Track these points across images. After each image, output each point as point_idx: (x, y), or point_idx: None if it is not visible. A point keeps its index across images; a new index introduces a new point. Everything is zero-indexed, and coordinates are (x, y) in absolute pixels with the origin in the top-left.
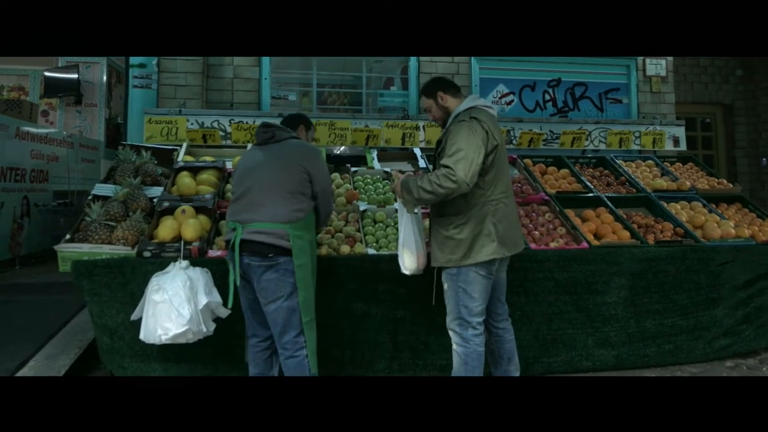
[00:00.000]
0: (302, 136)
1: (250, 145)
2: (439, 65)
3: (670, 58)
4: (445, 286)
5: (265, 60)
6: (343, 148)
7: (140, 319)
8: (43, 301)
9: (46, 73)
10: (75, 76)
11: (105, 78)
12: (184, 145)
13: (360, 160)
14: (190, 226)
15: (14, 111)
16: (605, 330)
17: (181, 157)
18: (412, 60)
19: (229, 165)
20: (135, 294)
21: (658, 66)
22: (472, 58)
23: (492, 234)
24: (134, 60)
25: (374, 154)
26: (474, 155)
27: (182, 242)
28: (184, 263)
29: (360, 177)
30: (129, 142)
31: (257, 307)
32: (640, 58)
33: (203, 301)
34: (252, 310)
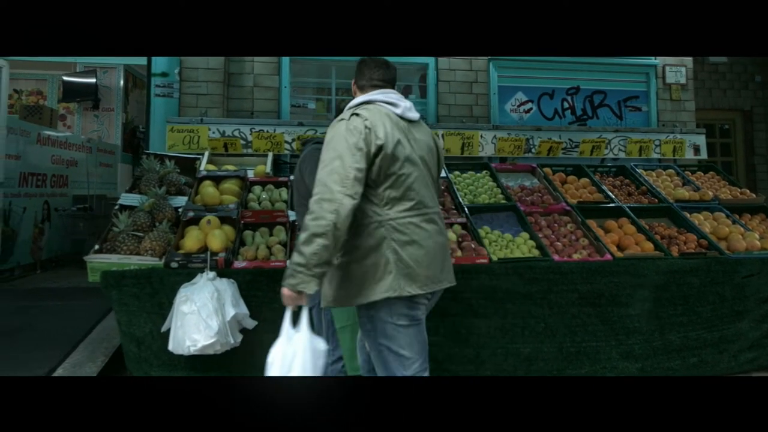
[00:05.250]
0: None
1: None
2: (458, 73)
3: (690, 66)
4: (366, 345)
5: (285, 68)
6: None
7: (169, 330)
8: (67, 307)
9: (65, 78)
10: (93, 80)
11: (122, 82)
12: (206, 153)
13: None
14: (216, 237)
15: (35, 116)
16: (629, 342)
17: (204, 166)
18: (431, 67)
19: (250, 174)
20: (163, 304)
21: (678, 73)
22: (491, 65)
23: (390, 263)
24: (156, 69)
25: None
26: (350, 160)
27: (209, 253)
28: (211, 274)
29: None
30: (151, 151)
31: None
32: (659, 66)
33: (231, 312)
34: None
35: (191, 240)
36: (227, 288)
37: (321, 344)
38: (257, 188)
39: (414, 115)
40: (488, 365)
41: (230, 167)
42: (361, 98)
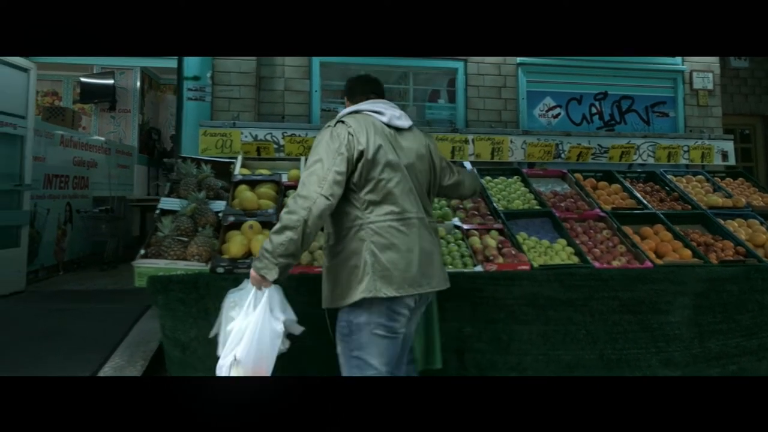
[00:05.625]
0: None
1: None
2: (487, 78)
3: (717, 71)
4: (338, 348)
5: (315, 72)
6: None
7: (216, 335)
8: (97, 310)
9: (82, 79)
10: (111, 82)
11: (138, 84)
12: (240, 157)
13: None
14: (260, 242)
15: (57, 118)
16: (669, 350)
17: (238, 170)
18: (459, 72)
19: (284, 178)
20: (209, 309)
21: (705, 79)
22: (520, 70)
23: (368, 265)
24: (188, 72)
25: None
26: (330, 163)
27: (253, 258)
28: None
29: None
30: (183, 155)
31: None
32: (687, 71)
33: (281, 317)
34: None
35: (236, 245)
36: (275, 293)
37: (277, 326)
38: (292, 192)
39: (403, 123)
40: (530, 372)
41: (264, 171)
42: (349, 108)
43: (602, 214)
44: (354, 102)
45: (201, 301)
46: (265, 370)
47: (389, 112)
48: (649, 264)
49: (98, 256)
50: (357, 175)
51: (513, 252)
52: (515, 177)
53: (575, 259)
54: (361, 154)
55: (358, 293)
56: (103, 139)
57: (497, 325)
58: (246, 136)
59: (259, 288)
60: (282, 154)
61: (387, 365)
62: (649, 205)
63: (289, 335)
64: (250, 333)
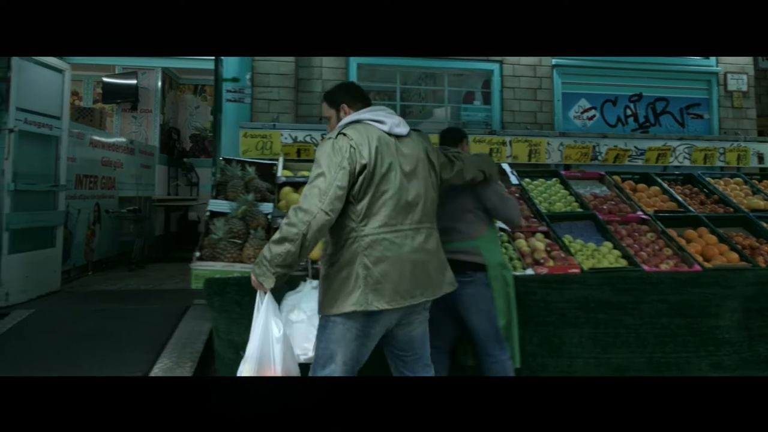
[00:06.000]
0: (465, 150)
1: None
2: (522, 79)
3: (751, 73)
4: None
5: (352, 73)
6: None
7: None
8: (137, 311)
9: (105, 79)
10: (134, 82)
11: (159, 84)
12: (281, 159)
13: None
14: None
15: (86, 119)
16: (719, 354)
17: (281, 172)
18: (495, 74)
19: None
20: None
21: (739, 81)
22: (555, 71)
23: (359, 278)
24: (227, 74)
25: None
26: (332, 177)
27: (309, 261)
28: (315, 282)
29: None
30: (223, 156)
31: (444, 319)
32: (721, 73)
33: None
34: (438, 323)
35: None
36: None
37: (276, 330)
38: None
39: (402, 130)
40: (581, 375)
41: (307, 173)
42: (349, 118)
43: (645, 216)
44: (354, 109)
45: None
46: (274, 370)
47: (390, 120)
48: (697, 267)
49: (125, 256)
50: (357, 187)
51: (562, 255)
52: (554, 179)
53: (623, 262)
54: (364, 167)
55: (348, 305)
56: (128, 139)
57: (548, 328)
58: (286, 138)
59: (261, 292)
60: None
61: (348, 365)
62: (691, 208)
63: None
64: (257, 333)
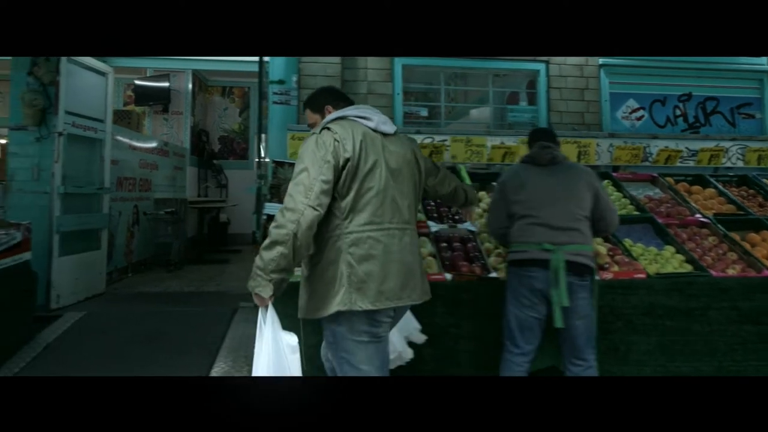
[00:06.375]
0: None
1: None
2: (569, 79)
3: None
4: (329, 355)
5: (398, 74)
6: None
7: None
8: (186, 313)
9: (137, 82)
10: (166, 84)
11: (190, 86)
12: None
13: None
14: None
15: (124, 121)
16: None
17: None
18: (541, 74)
19: None
20: None
21: None
22: (602, 71)
23: (344, 277)
24: (273, 76)
25: None
26: (316, 172)
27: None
28: None
29: None
30: (270, 158)
31: (539, 325)
32: None
33: (409, 327)
34: (531, 328)
35: None
36: None
37: (291, 339)
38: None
39: (389, 128)
40: None
41: None
42: (334, 114)
43: (704, 219)
44: (337, 108)
45: None
46: None
47: (376, 117)
48: (767, 272)
49: (161, 258)
50: (341, 182)
51: (626, 260)
52: (606, 181)
53: (688, 267)
54: (347, 161)
55: (334, 306)
56: (163, 141)
57: (614, 335)
58: None
59: (264, 305)
60: None
61: (379, 369)
62: (751, 210)
63: (410, 344)
64: (266, 348)
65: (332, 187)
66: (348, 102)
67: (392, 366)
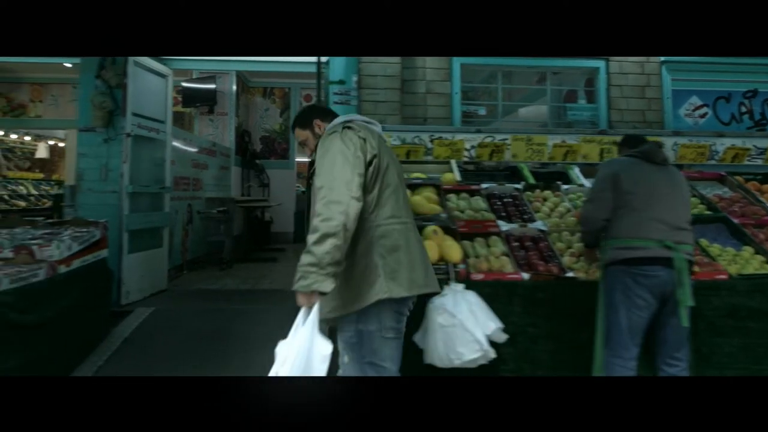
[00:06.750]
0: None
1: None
2: (630, 77)
3: None
4: (345, 359)
5: (456, 73)
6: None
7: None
8: (249, 311)
9: (184, 84)
10: (213, 86)
11: (234, 87)
12: None
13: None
14: (454, 247)
15: (178, 122)
16: None
17: None
18: (601, 71)
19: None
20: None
21: None
22: (664, 68)
23: (378, 267)
24: (333, 76)
25: (577, 170)
26: (353, 165)
27: (451, 264)
28: (460, 286)
29: (573, 195)
30: None
31: (646, 326)
32: None
33: (492, 326)
34: (641, 329)
35: (430, 251)
36: (477, 300)
37: (325, 347)
38: (452, 196)
39: (381, 133)
40: None
41: (420, 175)
42: (340, 119)
43: None
44: (325, 120)
45: None
46: None
47: (377, 124)
48: None
49: (213, 256)
50: (368, 178)
51: (706, 260)
52: None
53: None
54: (374, 157)
55: (372, 296)
56: (211, 141)
57: (697, 337)
58: (394, 140)
59: (308, 306)
60: (429, 158)
61: (398, 365)
62: None
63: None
64: (293, 355)
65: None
66: (334, 115)
67: (475, 365)
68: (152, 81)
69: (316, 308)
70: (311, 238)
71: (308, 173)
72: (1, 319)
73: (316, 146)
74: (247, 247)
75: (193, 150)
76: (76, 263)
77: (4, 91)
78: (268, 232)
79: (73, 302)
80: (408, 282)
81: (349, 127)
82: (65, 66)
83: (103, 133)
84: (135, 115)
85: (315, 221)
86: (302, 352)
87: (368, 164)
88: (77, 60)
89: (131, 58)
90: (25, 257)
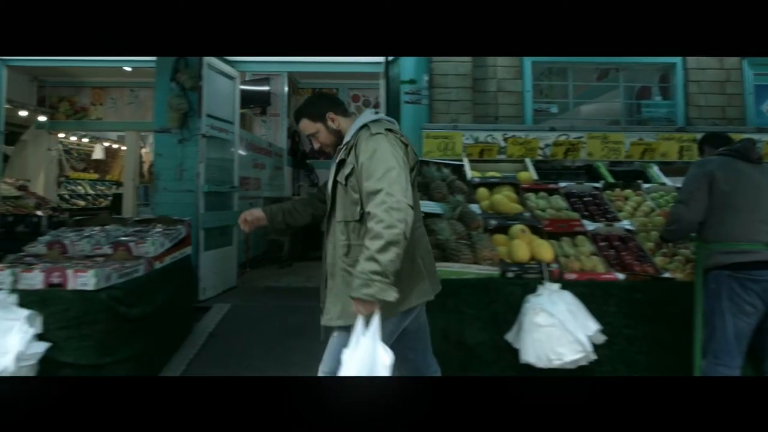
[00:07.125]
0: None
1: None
2: (708, 72)
3: None
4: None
5: (527, 71)
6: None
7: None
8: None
9: (240, 86)
10: (267, 88)
11: (286, 89)
12: (466, 160)
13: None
14: (544, 246)
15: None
16: None
17: (470, 173)
18: (678, 67)
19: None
20: (497, 314)
21: None
22: (745, 63)
23: (422, 270)
24: (404, 76)
25: (656, 168)
26: (404, 171)
27: (544, 264)
28: (555, 286)
29: (656, 194)
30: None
31: (749, 333)
32: None
33: (593, 327)
34: (746, 336)
35: (521, 250)
36: (574, 300)
37: (386, 357)
38: (531, 195)
39: None
40: None
41: (495, 174)
42: (370, 117)
43: None
44: (344, 115)
45: (491, 305)
46: None
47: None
48: None
49: (273, 254)
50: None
51: None
52: None
53: None
54: (415, 164)
55: (413, 299)
56: (268, 142)
57: None
58: (467, 138)
59: (367, 314)
60: (503, 156)
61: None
62: None
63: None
64: (359, 357)
65: None
66: (345, 106)
67: (574, 366)
68: (222, 83)
69: (377, 317)
70: (374, 244)
71: (336, 171)
72: (113, 312)
73: (334, 142)
74: (304, 246)
75: (255, 150)
76: (167, 260)
77: (68, 95)
78: (318, 231)
79: (166, 297)
80: (437, 281)
81: (391, 130)
82: (125, 70)
83: (177, 134)
84: (209, 116)
85: (377, 227)
86: (366, 362)
87: (411, 169)
88: (137, 64)
89: (205, 61)
90: (123, 254)
